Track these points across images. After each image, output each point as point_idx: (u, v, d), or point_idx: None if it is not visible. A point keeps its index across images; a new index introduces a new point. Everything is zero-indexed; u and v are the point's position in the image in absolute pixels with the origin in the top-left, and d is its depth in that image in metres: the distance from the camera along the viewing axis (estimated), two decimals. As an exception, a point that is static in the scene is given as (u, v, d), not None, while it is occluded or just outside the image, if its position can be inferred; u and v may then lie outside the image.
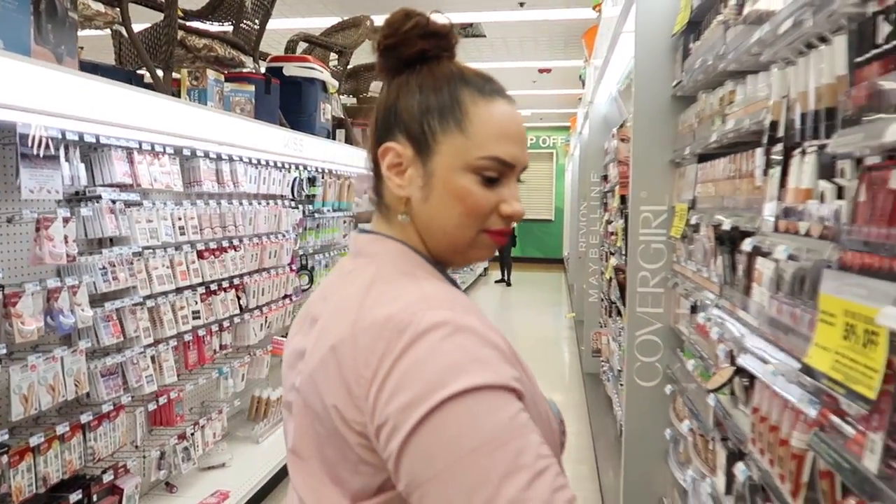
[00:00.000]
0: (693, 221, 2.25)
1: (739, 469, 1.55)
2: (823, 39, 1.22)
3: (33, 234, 2.58)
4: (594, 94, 5.74)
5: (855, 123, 1.04)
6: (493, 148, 0.88)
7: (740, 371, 1.69)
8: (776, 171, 1.45)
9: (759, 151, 1.58)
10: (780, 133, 1.45)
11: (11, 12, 2.09)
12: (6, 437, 2.43)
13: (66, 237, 2.66)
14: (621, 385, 3.95)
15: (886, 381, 0.91)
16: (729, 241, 1.89)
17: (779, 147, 1.44)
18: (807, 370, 1.10)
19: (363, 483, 0.80)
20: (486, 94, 0.91)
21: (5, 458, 2.40)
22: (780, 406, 1.34)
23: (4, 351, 2.38)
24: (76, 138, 2.78)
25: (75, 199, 2.87)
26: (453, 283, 0.96)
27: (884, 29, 0.99)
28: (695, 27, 2.42)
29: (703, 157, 2.24)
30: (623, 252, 3.71)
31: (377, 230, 0.97)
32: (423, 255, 0.94)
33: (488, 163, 0.88)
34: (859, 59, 1.07)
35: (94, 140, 2.87)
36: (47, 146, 2.51)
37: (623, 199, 3.98)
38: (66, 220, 2.68)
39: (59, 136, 2.63)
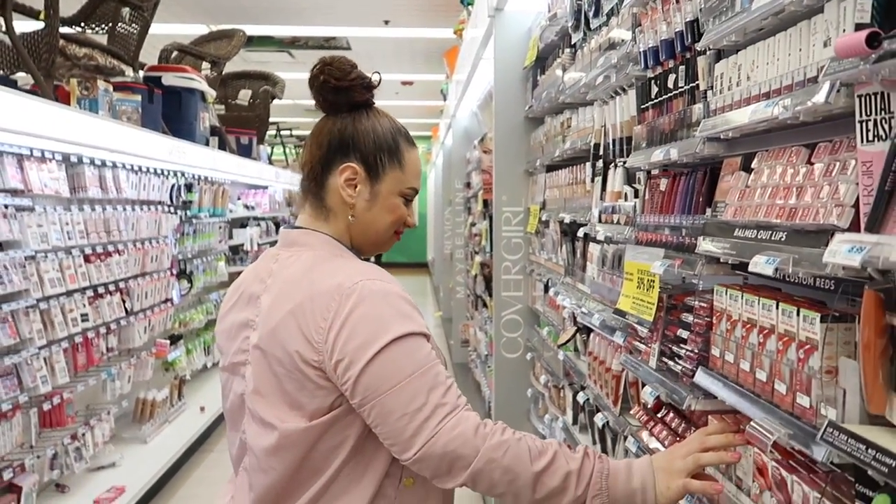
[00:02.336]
0: (544, 219, 2.82)
1: (581, 397, 2.09)
2: (624, 90, 1.79)
3: (-68, 238, 2.65)
4: (457, 109, 6.32)
5: (640, 148, 1.59)
6: (413, 182, 1.33)
7: (580, 329, 2.24)
8: (599, 180, 2.01)
9: (588, 165, 2.15)
10: (601, 152, 2.01)
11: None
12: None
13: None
14: (489, 368, 4.50)
15: (658, 310, 1.45)
16: (570, 233, 2.45)
17: (600, 162, 2.01)
18: (618, 312, 1.64)
19: (318, 404, 1.18)
20: (411, 145, 1.34)
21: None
22: (605, 345, 1.89)
23: None
24: (-28, 145, 2.86)
25: (-30, 204, 2.93)
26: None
27: (654, 89, 1.54)
28: (541, 62, 3.00)
29: (550, 168, 2.81)
30: (487, 250, 4.27)
31: (306, 226, 1.32)
32: (346, 244, 1.32)
33: (411, 191, 1.32)
34: (643, 106, 1.63)
35: (-12, 147, 2.95)
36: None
37: (486, 203, 4.54)
38: (-38, 225, 2.76)
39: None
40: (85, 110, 3.48)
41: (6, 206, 3.08)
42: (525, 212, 3.22)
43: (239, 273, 1.39)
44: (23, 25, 3.56)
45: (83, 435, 3.72)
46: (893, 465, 0.77)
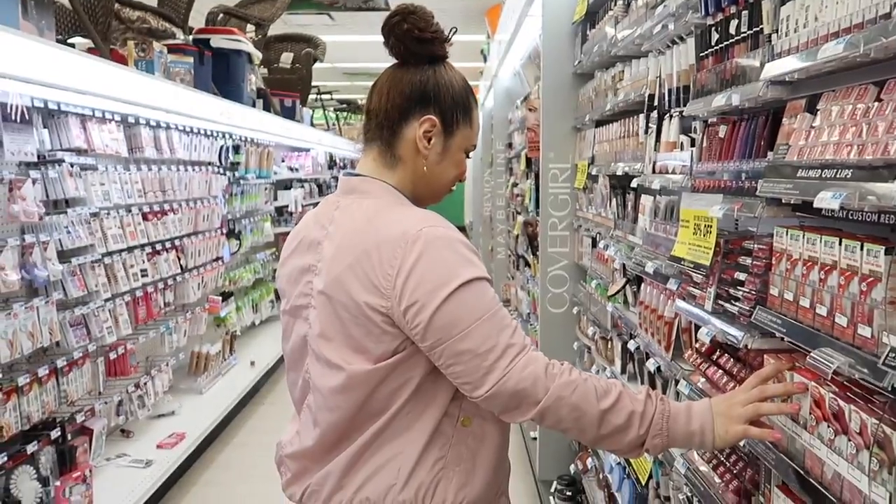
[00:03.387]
0: (593, 174, 2.84)
1: (631, 345, 2.14)
2: (682, 38, 1.79)
3: (7, 194, 2.80)
4: (499, 69, 6.28)
5: (700, 96, 1.60)
6: (475, 139, 1.38)
7: (630, 280, 2.28)
8: (653, 131, 2.02)
9: (641, 117, 2.16)
10: (656, 103, 2.02)
11: (2, -9, 2.33)
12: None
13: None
14: (530, 326, 4.57)
15: (715, 255, 1.49)
16: (621, 187, 2.47)
17: (654, 113, 2.02)
18: (674, 259, 1.68)
19: (384, 349, 1.22)
20: (476, 103, 1.38)
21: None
22: (657, 293, 1.93)
23: (-7, 299, 2.62)
24: (41, 105, 2.99)
25: (40, 162, 3.07)
26: None
27: (714, 36, 1.55)
28: (591, 16, 2.98)
29: (599, 123, 2.82)
30: (531, 209, 4.30)
31: (368, 173, 1.32)
32: (405, 194, 1.33)
33: (472, 147, 1.37)
34: (702, 54, 1.63)
35: (55, 107, 3.08)
36: (23, 113, 2.73)
37: (529, 162, 4.55)
38: (34, 182, 2.90)
39: (30, 104, 2.84)
40: (142, 71, 3.58)
41: (72, 165, 3.22)
42: (572, 168, 3.23)
43: (285, 234, 1.44)
44: (80, -11, 3.65)
45: (145, 384, 3.92)
46: (957, 383, 0.81)
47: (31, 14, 2.46)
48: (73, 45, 3.87)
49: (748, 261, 1.40)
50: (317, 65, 7.62)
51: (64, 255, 3.13)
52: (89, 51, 3.49)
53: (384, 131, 1.31)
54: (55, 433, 3.02)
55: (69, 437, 3.16)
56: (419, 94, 1.29)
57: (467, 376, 1.17)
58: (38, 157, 3.07)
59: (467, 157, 1.38)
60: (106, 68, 3.04)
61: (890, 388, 0.97)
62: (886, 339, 0.98)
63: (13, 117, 2.68)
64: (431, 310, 1.16)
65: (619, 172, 2.33)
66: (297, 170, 7.39)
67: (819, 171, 1.12)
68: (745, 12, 1.43)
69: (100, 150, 3.41)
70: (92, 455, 3.32)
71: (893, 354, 0.92)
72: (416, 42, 1.28)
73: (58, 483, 2.96)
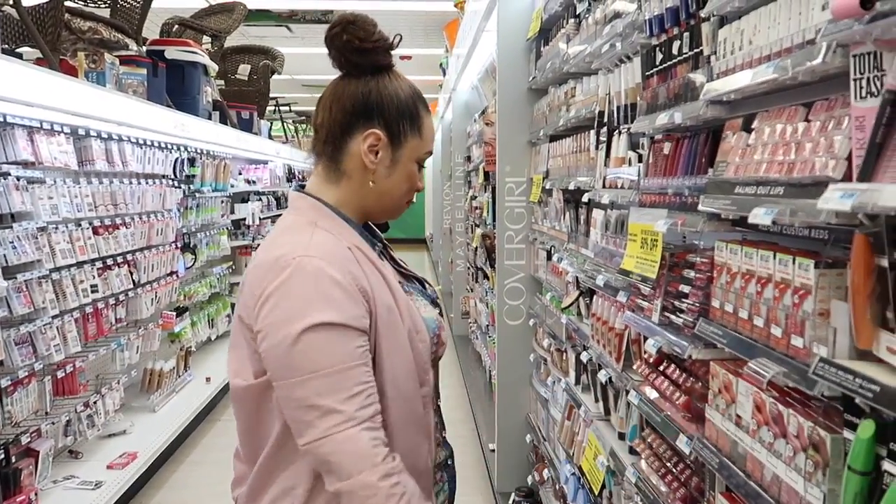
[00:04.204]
0: (547, 188, 2.88)
1: (584, 356, 2.18)
2: (629, 57, 1.85)
3: (-52, 208, 2.71)
4: (457, 83, 6.34)
5: (645, 114, 1.66)
6: (429, 146, 1.32)
7: (583, 293, 2.33)
8: (603, 147, 2.07)
9: (592, 133, 2.21)
10: (605, 119, 2.07)
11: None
12: (-62, 398, 2.58)
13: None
14: (489, 338, 4.60)
15: (661, 268, 1.53)
16: (574, 201, 2.52)
17: (604, 129, 2.07)
18: (622, 272, 1.72)
19: (258, 366, 1.18)
20: (427, 110, 1.32)
21: (-64, 418, 2.55)
22: (608, 305, 1.97)
23: (-67, 317, 2.52)
24: (-16, 117, 2.90)
25: (-17, 175, 2.99)
26: (370, 232, 1.34)
27: (659, 56, 1.61)
28: (545, 33, 3.05)
29: (553, 138, 2.87)
30: (489, 221, 4.34)
31: (311, 190, 1.29)
32: (342, 212, 1.26)
33: (425, 156, 1.32)
34: (648, 73, 1.69)
35: (0, 119, 3.00)
36: (-35, 124, 2.66)
37: (487, 176, 4.60)
38: (-23, 196, 2.82)
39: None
40: (93, 83, 3.51)
41: (18, 178, 3.14)
42: (528, 182, 3.28)
43: (242, 247, 1.41)
44: (28, -1, 3.58)
45: (95, 403, 3.81)
46: (878, 390, 0.86)
47: (-26, 24, 2.39)
48: (20, 56, 3.78)
49: (692, 274, 1.45)
50: (275, 77, 7.57)
51: (9, 271, 3.04)
52: (37, 61, 3.41)
53: (328, 146, 1.28)
54: (-2, 455, 2.91)
55: (13, 459, 3.05)
56: (361, 107, 1.25)
57: (292, 421, 1.14)
58: (-18, 170, 2.99)
59: (421, 167, 1.33)
60: (54, 80, 2.98)
61: (821, 395, 1.02)
62: (816, 349, 1.02)
63: (-45, 129, 2.60)
64: (271, 343, 1.13)
65: (572, 187, 2.38)
66: (254, 182, 7.32)
67: (754, 187, 1.17)
68: (686, 34, 1.49)
69: (48, 162, 3.33)
70: (38, 478, 3.21)
71: (822, 364, 0.97)
72: (356, 53, 1.23)
73: (1, 507, 2.86)
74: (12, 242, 3.07)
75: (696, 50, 1.44)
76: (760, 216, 1.07)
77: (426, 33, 9.63)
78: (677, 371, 1.58)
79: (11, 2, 3.37)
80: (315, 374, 1.10)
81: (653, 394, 1.65)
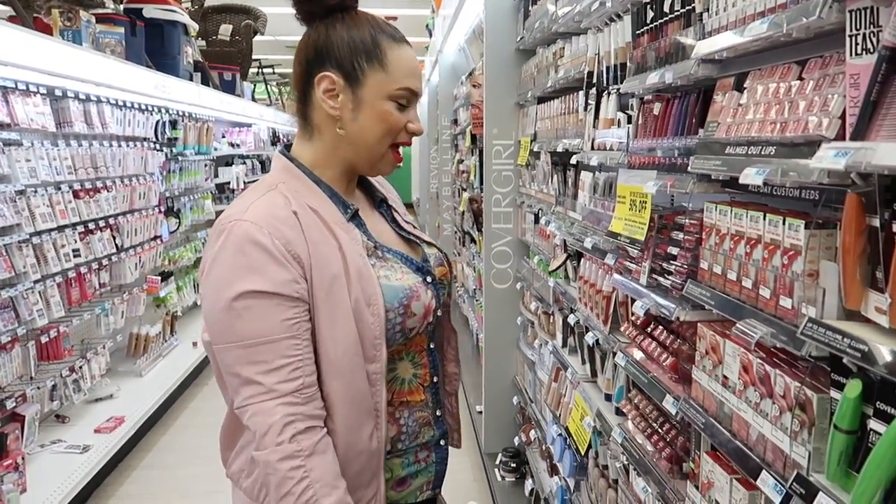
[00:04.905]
0: (535, 150, 2.86)
1: (571, 319, 2.19)
2: (619, 16, 1.81)
3: (-78, 171, 2.64)
4: (443, 44, 6.23)
5: (636, 73, 1.63)
6: (404, 81, 1.19)
7: (571, 256, 2.32)
8: (592, 108, 2.04)
9: (581, 94, 2.18)
10: (595, 80, 2.04)
11: None
12: (-81, 363, 2.55)
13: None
14: (476, 301, 4.61)
15: (649, 230, 1.52)
16: (562, 164, 2.50)
17: (593, 91, 2.04)
18: (611, 234, 1.71)
19: None
20: (397, 41, 1.21)
21: (-80, 384, 2.53)
22: (596, 268, 1.97)
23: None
24: (-43, 76, 2.82)
25: (-42, 137, 2.91)
26: (369, 192, 1.34)
27: (650, 14, 1.57)
28: (533, -8, 2.98)
29: (542, 100, 2.83)
30: (476, 185, 4.31)
31: (293, 151, 1.26)
32: (313, 173, 1.22)
33: (403, 93, 1.20)
34: (638, 32, 1.65)
35: (-27, 79, 2.91)
36: (-63, 83, 2.57)
37: (474, 139, 4.55)
38: (-48, 158, 2.75)
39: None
40: (68, 42, 3.41)
41: (-6, 140, 3.06)
42: (515, 144, 3.25)
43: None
44: (-2, -48, 3.45)
45: (80, 368, 3.80)
46: (866, 349, 0.86)
47: (-59, -22, 2.30)
48: (-8, 13, 3.66)
49: (680, 235, 1.44)
50: (258, 37, 7.40)
51: (-11, 235, 2.99)
52: (10, 19, 3.30)
53: (299, 104, 1.25)
54: (-17, 421, 2.90)
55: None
56: (313, 53, 1.21)
57: (227, 383, 1.16)
58: (-44, 131, 2.91)
59: (403, 105, 1.21)
60: (28, 38, 2.88)
61: (808, 355, 1.02)
62: (805, 309, 1.02)
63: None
64: (205, 308, 1.15)
65: (560, 149, 2.35)
66: (238, 146, 7.22)
67: (745, 147, 1.16)
68: (678, -10, 1.45)
69: (24, 124, 3.24)
70: (24, 442, 3.21)
71: (811, 324, 0.97)
72: (308, 1, 1.21)
73: (-12, 472, 2.85)
74: (-10, 206, 3.01)
75: (688, 7, 1.41)
76: (752, 176, 1.05)
77: (412, -7, 9.44)
78: (664, 333, 1.58)
79: (-19, -44, 3.24)
80: (239, 343, 1.10)
81: (640, 355, 1.65)
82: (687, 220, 1.42)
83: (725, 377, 1.25)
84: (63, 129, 3.69)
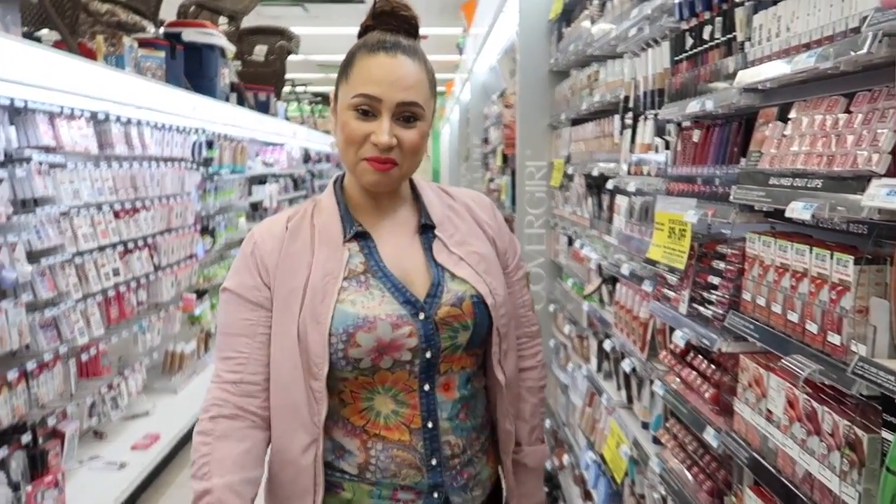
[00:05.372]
0: (569, 172, 2.85)
1: (606, 344, 2.17)
2: (656, 41, 1.81)
3: (-28, 194, 2.73)
4: (475, 63, 6.27)
5: (674, 100, 1.62)
6: (361, 88, 1.16)
7: (606, 280, 2.30)
8: (628, 133, 2.04)
9: (617, 117, 2.18)
10: (631, 104, 2.03)
11: (-35, -15, 2.26)
12: (-34, 381, 2.62)
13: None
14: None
15: (689, 258, 1.51)
16: (596, 186, 2.49)
17: (630, 114, 2.03)
18: (648, 261, 1.70)
19: None
20: (370, 50, 1.19)
21: (-33, 401, 2.60)
22: (633, 294, 1.95)
23: (-41, 302, 2.55)
24: (7, 103, 2.91)
25: (7, 161, 3.00)
26: (422, 214, 1.27)
27: (689, 41, 1.57)
28: (567, 15, 2.99)
29: (576, 122, 2.83)
30: (507, 204, 4.31)
31: None
32: (343, 188, 1.28)
33: (358, 99, 1.16)
34: (676, 58, 1.65)
35: (22, 104, 3.00)
36: (-12, 110, 2.67)
37: (505, 158, 4.56)
38: (0, 181, 2.84)
39: (-5, 101, 2.77)
40: (111, 66, 3.51)
41: (40, 163, 3.15)
42: (548, 166, 3.25)
43: None
44: (46, -19, 3.57)
45: (118, 385, 3.87)
46: (922, 393, 0.83)
47: (-6, 10, 2.39)
48: (39, 40, 3.78)
49: (721, 265, 1.42)
50: (290, 57, 7.53)
51: (33, 256, 3.07)
52: (56, 44, 3.41)
53: None
54: (26, 437, 2.96)
55: (40, 440, 3.10)
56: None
57: None
58: (5, 155, 3.00)
59: (366, 113, 1.17)
60: (74, 64, 2.98)
61: (859, 394, 1.00)
62: (855, 347, 1.00)
63: (-22, 115, 2.61)
64: None
65: (595, 173, 2.35)
66: (271, 164, 7.33)
67: (790, 179, 1.14)
68: (718, 19, 1.45)
69: (69, 147, 3.34)
70: (64, 458, 3.27)
71: (861, 363, 0.95)
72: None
73: (29, 488, 2.91)
74: (35, 227, 3.10)
75: (728, 36, 1.40)
76: (798, 211, 1.04)
77: (443, 12, 9.52)
78: (704, 363, 1.56)
79: (30, -15, 3.36)
80: (219, 328, 1.27)
81: (679, 385, 1.63)
82: (728, 250, 1.40)
83: (769, 411, 1.23)
84: (105, 151, 3.78)
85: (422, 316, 1.19)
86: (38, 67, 2.67)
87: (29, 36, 3.61)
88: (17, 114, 3.07)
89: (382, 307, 1.18)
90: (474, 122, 6.82)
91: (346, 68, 1.21)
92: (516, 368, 1.34)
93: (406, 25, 1.24)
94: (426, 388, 1.21)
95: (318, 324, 1.17)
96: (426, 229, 1.28)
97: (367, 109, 1.16)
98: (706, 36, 1.49)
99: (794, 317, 1.16)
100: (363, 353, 1.17)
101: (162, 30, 4.62)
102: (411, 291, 1.21)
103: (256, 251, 1.23)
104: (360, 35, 1.25)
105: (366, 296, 1.19)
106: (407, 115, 1.18)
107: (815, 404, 1.09)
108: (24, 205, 3.15)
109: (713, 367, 1.52)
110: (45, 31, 3.85)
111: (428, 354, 1.20)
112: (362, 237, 1.24)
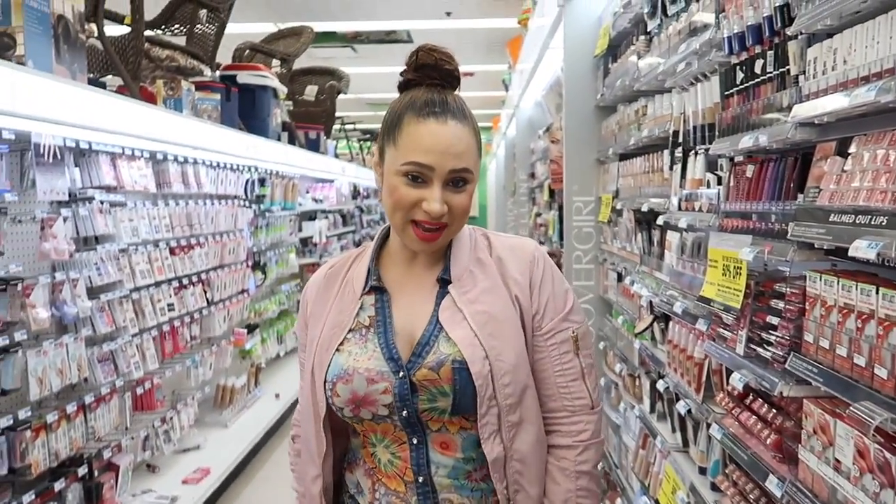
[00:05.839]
0: (617, 207, 2.81)
1: (661, 385, 2.10)
2: (705, 76, 1.78)
3: (38, 231, 2.85)
4: (520, 99, 6.31)
5: (725, 134, 1.59)
6: (410, 155, 1.15)
7: (658, 318, 2.25)
8: (678, 167, 2.00)
9: (666, 152, 2.14)
10: (680, 139, 2.00)
11: (38, 36, 2.40)
12: (28, 413, 2.70)
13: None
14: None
15: (745, 297, 1.45)
16: (646, 221, 2.45)
17: (679, 149, 2.00)
18: (702, 300, 1.64)
19: None
20: (420, 116, 1.17)
21: (28, 433, 2.68)
22: (686, 333, 1.89)
23: (25, 336, 2.65)
24: (73, 145, 3.05)
25: (71, 200, 3.14)
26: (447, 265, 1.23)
27: (739, 75, 1.54)
28: (613, 50, 2.99)
29: (623, 156, 2.80)
30: (554, 239, 4.27)
31: None
32: (383, 239, 1.30)
33: (408, 167, 1.15)
34: (727, 93, 1.62)
35: (86, 146, 3.15)
36: (55, 153, 2.80)
37: (552, 193, 4.54)
38: (64, 220, 2.96)
39: (62, 144, 2.91)
40: (170, 109, 3.66)
41: (102, 202, 3.28)
42: (596, 201, 3.21)
43: (310, 265, 1.55)
44: (111, 30, 3.77)
45: (171, 418, 3.93)
46: None
47: (63, 57, 2.53)
48: (104, 84, 3.98)
49: (780, 304, 1.37)
50: (341, 96, 7.72)
51: (93, 292, 3.17)
52: (119, 89, 3.58)
53: None
54: (82, 470, 3.03)
55: (96, 473, 3.17)
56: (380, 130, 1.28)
57: None
58: (70, 195, 3.13)
59: (417, 179, 1.15)
60: (135, 108, 3.11)
61: (935, 446, 0.93)
62: (930, 394, 0.94)
63: (46, 157, 2.74)
64: None
65: (645, 208, 2.31)
66: (321, 201, 7.47)
67: (853, 216, 1.10)
68: (770, 52, 1.42)
69: (129, 186, 3.47)
70: (118, 491, 3.32)
71: (938, 413, 0.89)
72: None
73: (84, 520, 2.97)
74: (96, 264, 3.21)
75: (781, 69, 1.37)
76: (863, 249, 0.99)
77: (489, 50, 9.66)
78: (765, 406, 1.49)
79: (96, 34, 3.55)
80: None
81: (737, 429, 1.56)
82: (787, 289, 1.35)
83: (838, 461, 1.16)
84: (162, 190, 3.92)
85: (401, 374, 1.18)
86: (102, 112, 2.80)
87: (94, 81, 3.80)
88: (81, 155, 3.22)
89: (367, 361, 1.20)
90: (520, 157, 6.83)
91: (392, 130, 1.19)
92: (538, 444, 1.21)
93: (450, 79, 1.23)
94: (415, 441, 1.20)
95: (320, 370, 1.24)
96: (445, 283, 1.24)
97: (418, 176, 1.16)
98: (758, 70, 1.46)
99: (861, 360, 1.10)
100: (343, 403, 1.20)
101: (218, 73, 4.80)
102: (398, 348, 1.20)
103: (305, 295, 1.34)
104: (402, 87, 1.23)
105: (361, 348, 1.22)
106: (457, 180, 1.18)
107: (888, 455, 1.03)
108: (86, 242, 3.28)
109: (774, 411, 1.46)
110: (108, 77, 4.06)
111: (404, 413, 1.18)
112: (379, 290, 1.26)
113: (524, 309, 1.23)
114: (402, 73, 1.23)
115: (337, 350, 1.22)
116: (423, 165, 1.15)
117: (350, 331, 1.24)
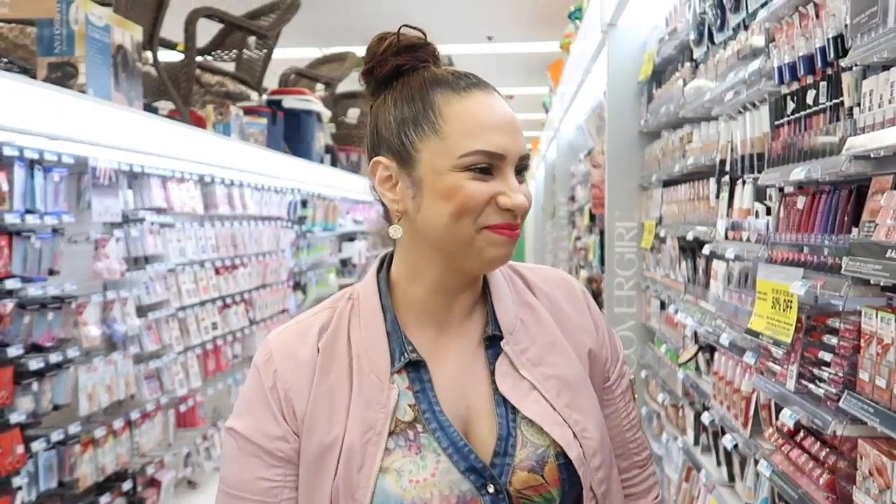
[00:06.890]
0: (661, 235, 2.78)
1: (706, 417, 2.06)
2: (754, 105, 1.76)
3: (92, 252, 2.95)
4: (561, 122, 6.31)
5: (775, 164, 1.56)
6: (473, 143, 0.86)
7: (703, 348, 2.21)
8: (725, 196, 1.98)
9: (713, 181, 2.12)
10: (727, 168, 1.98)
11: (98, 65, 2.50)
12: (78, 428, 2.78)
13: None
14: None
15: (796, 331, 1.42)
16: (690, 249, 2.41)
17: (726, 178, 1.98)
18: (750, 332, 1.61)
19: None
20: (459, 90, 0.89)
21: (77, 448, 2.75)
22: (733, 365, 1.86)
23: (77, 353, 2.74)
24: (126, 168, 3.16)
25: (123, 221, 3.24)
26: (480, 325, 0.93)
27: (790, 105, 1.52)
28: (657, 76, 2.97)
29: (667, 183, 2.78)
30: (595, 265, 4.24)
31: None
32: (388, 287, 0.94)
33: (473, 158, 0.86)
34: (777, 122, 1.60)
35: (139, 169, 3.26)
36: (110, 176, 2.90)
37: (593, 218, 4.51)
38: (117, 240, 3.06)
39: (117, 167, 3.02)
40: (219, 133, 3.76)
41: (152, 223, 3.39)
42: (639, 227, 3.18)
43: (347, 285, 1.15)
44: (163, 56, 3.91)
45: (212, 436, 3.99)
46: None
47: (121, 85, 2.63)
48: (156, 110, 4.12)
49: (833, 340, 1.33)
50: (382, 119, 7.82)
51: (141, 310, 3.26)
52: (171, 113, 3.70)
53: (379, 202, 0.97)
54: (127, 485, 3.09)
55: (139, 488, 3.23)
56: (369, 141, 0.96)
57: None
58: (122, 216, 3.24)
59: (483, 171, 0.87)
60: (186, 132, 3.22)
61: None
62: None
63: (101, 180, 2.85)
64: None
65: (690, 237, 2.28)
66: (360, 222, 7.55)
67: (911, 253, 1.07)
68: (823, 83, 1.40)
69: (178, 208, 3.57)
70: (160, 507, 3.38)
71: None
72: (365, 81, 0.97)
73: (127, 535, 3.02)
74: (145, 283, 3.31)
75: (835, 100, 1.35)
76: (923, 289, 0.96)
77: (529, 73, 9.70)
78: (817, 444, 1.45)
79: (151, 61, 3.68)
80: (220, 481, 0.93)
81: (787, 466, 1.52)
82: (841, 325, 1.31)
83: (896, 506, 1.12)
84: (209, 211, 4.02)
85: (491, 489, 0.86)
86: (156, 137, 2.90)
87: (147, 106, 3.95)
88: (133, 178, 3.33)
89: (438, 480, 0.86)
90: (560, 180, 6.81)
91: (424, 120, 0.88)
92: None
93: (434, 59, 0.95)
94: None
95: (354, 501, 0.86)
96: (493, 340, 0.94)
97: (488, 167, 0.87)
98: (809, 100, 1.44)
99: (921, 402, 1.06)
100: None
101: (265, 97, 4.93)
102: (476, 452, 0.88)
103: (279, 385, 0.90)
104: (383, 81, 0.94)
105: (416, 462, 0.87)
106: (520, 168, 0.90)
107: (950, 503, 0.99)
108: (136, 262, 3.38)
109: (827, 449, 1.41)
110: (160, 102, 4.21)
111: None
112: (413, 366, 0.91)
113: (595, 361, 0.98)
114: (377, 65, 0.93)
115: (381, 471, 0.86)
116: (491, 154, 0.86)
117: (390, 434, 0.88)
